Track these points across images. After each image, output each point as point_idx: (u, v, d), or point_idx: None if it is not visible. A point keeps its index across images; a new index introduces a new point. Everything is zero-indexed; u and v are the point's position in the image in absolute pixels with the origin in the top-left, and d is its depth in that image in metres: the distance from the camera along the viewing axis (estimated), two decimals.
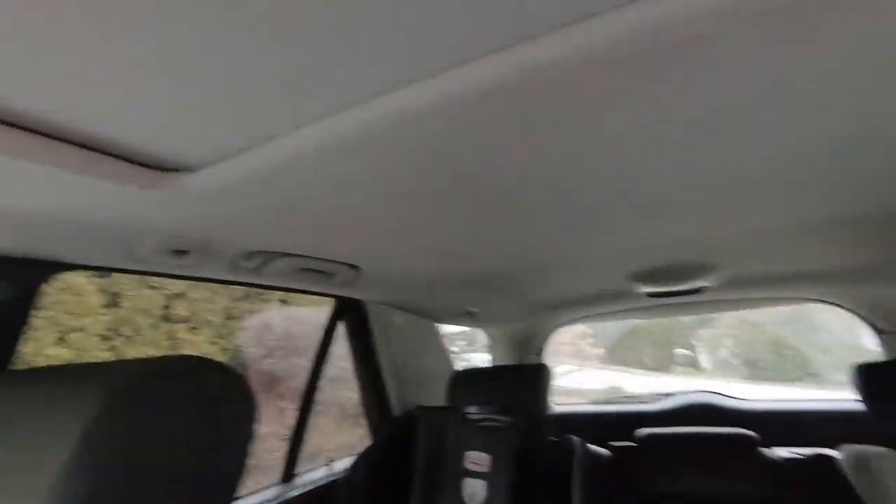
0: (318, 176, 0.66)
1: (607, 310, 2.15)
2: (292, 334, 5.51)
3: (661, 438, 1.40)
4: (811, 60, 0.49)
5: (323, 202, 0.79)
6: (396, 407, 1.75)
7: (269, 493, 1.40)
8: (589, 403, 2.51)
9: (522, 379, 1.58)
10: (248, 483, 1.42)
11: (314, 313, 5.39)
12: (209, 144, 0.56)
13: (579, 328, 8.44)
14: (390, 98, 0.48)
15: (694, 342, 8.71)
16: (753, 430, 1.37)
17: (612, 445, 1.47)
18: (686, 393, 2.27)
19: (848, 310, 1.88)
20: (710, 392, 2.21)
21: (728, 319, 7.90)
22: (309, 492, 1.45)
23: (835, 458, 1.20)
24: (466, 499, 1.36)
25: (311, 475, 1.55)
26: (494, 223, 0.98)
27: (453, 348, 2.08)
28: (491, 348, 2.45)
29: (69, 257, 0.83)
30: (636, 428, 1.48)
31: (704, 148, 0.68)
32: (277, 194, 0.70)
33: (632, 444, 1.43)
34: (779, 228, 1.14)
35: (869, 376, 1.11)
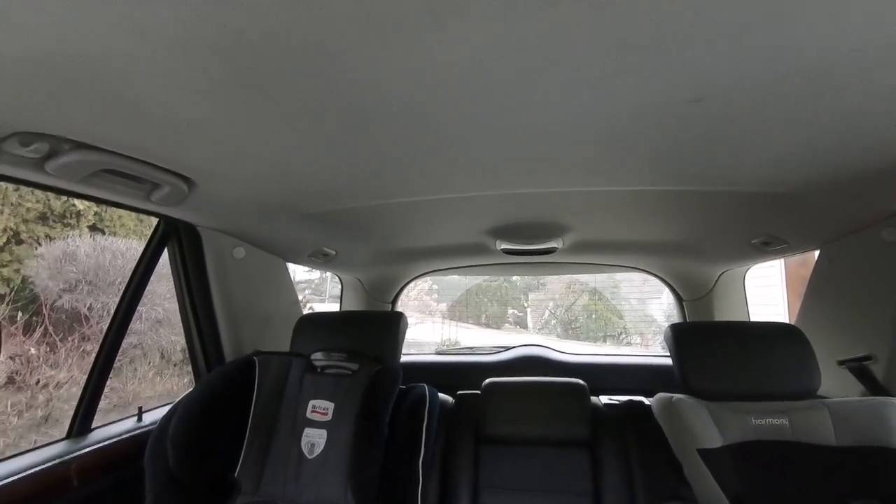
0: (135, 45, 0.49)
1: (464, 263, 2.19)
2: (104, 268, 4.68)
3: (502, 386, 1.46)
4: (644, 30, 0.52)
5: (142, 83, 0.60)
6: (230, 352, 1.55)
7: (54, 450, 1.13)
8: (434, 354, 2.57)
9: (377, 326, 1.51)
10: (34, 438, 1.13)
11: (136, 247, 4.65)
12: None
13: (425, 284, 8.78)
14: None
15: (525, 304, 9.59)
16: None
17: (457, 394, 1.50)
18: (521, 346, 2.46)
19: (661, 279, 2.18)
20: (541, 346, 2.43)
21: (554, 286, 8.91)
22: (108, 446, 1.21)
23: (646, 403, 1.37)
24: (305, 449, 1.27)
25: (114, 427, 1.30)
26: (340, 150, 0.92)
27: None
28: (343, 295, 2.34)
29: None
30: (478, 376, 1.53)
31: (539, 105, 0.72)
32: (68, 46, 0.51)
33: (476, 392, 1.47)
34: (613, 197, 1.27)
35: (676, 333, 1.27)
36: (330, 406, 1.31)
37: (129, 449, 1.24)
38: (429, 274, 2.31)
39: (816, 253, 1.50)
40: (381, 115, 0.76)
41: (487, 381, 1.49)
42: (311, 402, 1.32)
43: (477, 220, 1.56)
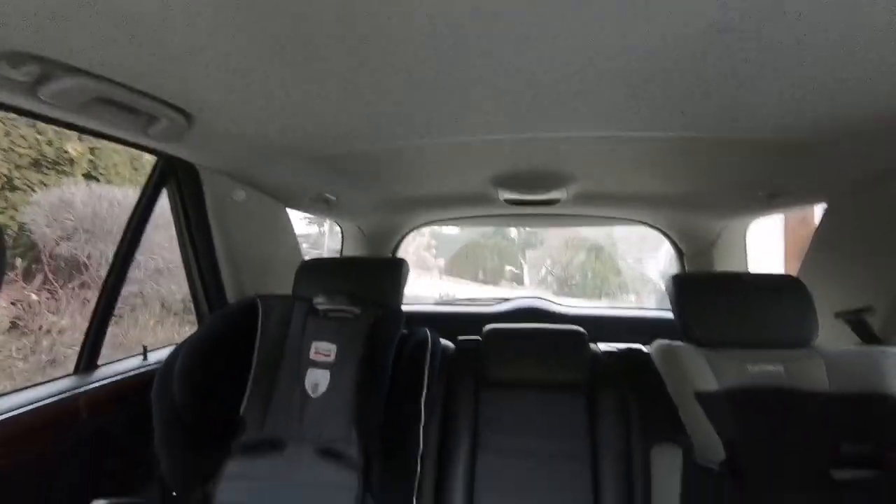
0: None
1: (466, 213, 2.17)
2: (101, 217, 4.65)
3: (503, 332, 1.48)
4: None
5: (143, 4, 0.57)
6: (232, 296, 1.56)
7: (63, 384, 1.15)
8: (433, 304, 2.60)
9: (379, 272, 1.51)
10: (40, 381, 1.15)
11: (133, 195, 4.60)
12: None
13: (423, 240, 8.80)
14: None
15: (522, 261, 9.66)
16: None
17: (458, 339, 1.52)
18: (520, 298, 2.49)
19: (663, 233, 2.17)
20: (540, 298, 2.46)
21: (552, 243, 8.95)
22: (115, 383, 1.23)
23: (645, 351, 1.40)
24: (309, 389, 1.29)
25: (120, 365, 1.32)
26: (349, 86, 0.88)
27: None
28: (343, 245, 2.33)
29: None
30: (477, 327, 1.55)
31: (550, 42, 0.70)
32: None
33: (476, 338, 1.49)
34: (622, 144, 1.24)
35: (678, 283, 1.27)
36: (333, 348, 1.33)
37: (136, 386, 1.27)
38: (430, 223, 2.30)
39: (819, 210, 1.49)
40: (391, 51, 0.73)
41: (488, 326, 1.50)
42: (315, 344, 1.33)
43: (481, 168, 1.53)
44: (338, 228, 2.29)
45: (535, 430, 1.33)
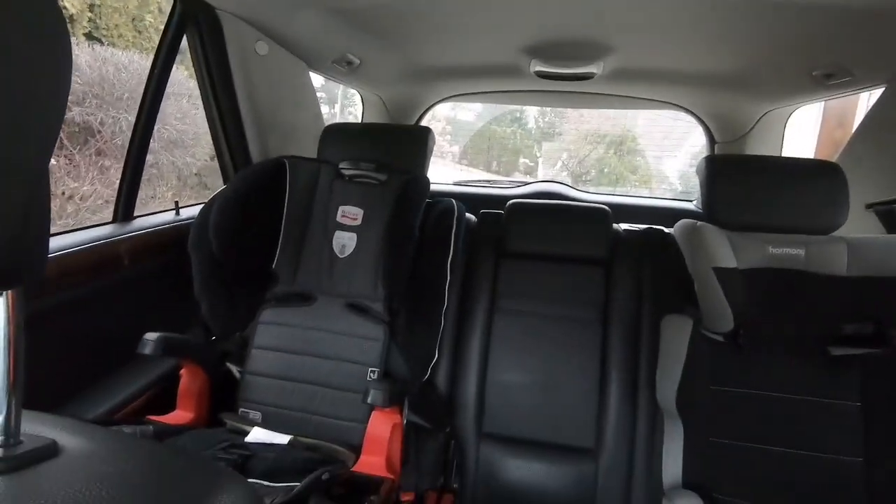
0: None
1: (492, 88, 2.07)
2: (109, 82, 4.49)
3: (525, 205, 1.49)
4: None
5: None
6: (256, 158, 1.55)
7: (104, 230, 1.20)
8: (453, 184, 2.58)
9: (405, 140, 1.49)
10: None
11: (138, 60, 4.39)
12: None
13: (439, 126, 8.53)
14: None
15: (537, 154, 9.42)
16: None
17: (480, 212, 1.53)
18: (540, 181, 2.47)
19: (697, 117, 2.08)
20: (560, 183, 2.43)
21: (569, 136, 8.64)
22: (152, 233, 1.28)
23: (666, 231, 1.41)
24: (336, 250, 1.34)
25: (155, 218, 1.37)
26: None
27: None
28: (364, 115, 2.26)
29: None
30: (498, 206, 1.55)
31: None
32: None
33: (499, 211, 1.50)
34: (668, 10, 1.16)
35: (710, 163, 1.23)
36: (359, 212, 1.35)
37: (172, 236, 1.32)
38: (454, 97, 2.20)
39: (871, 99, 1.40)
40: None
41: (511, 201, 1.51)
42: (341, 208, 1.36)
43: (513, 33, 1.43)
44: (351, 110, 2.21)
45: (550, 296, 1.39)
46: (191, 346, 1.21)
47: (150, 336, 1.10)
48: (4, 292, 0.34)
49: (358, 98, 2.27)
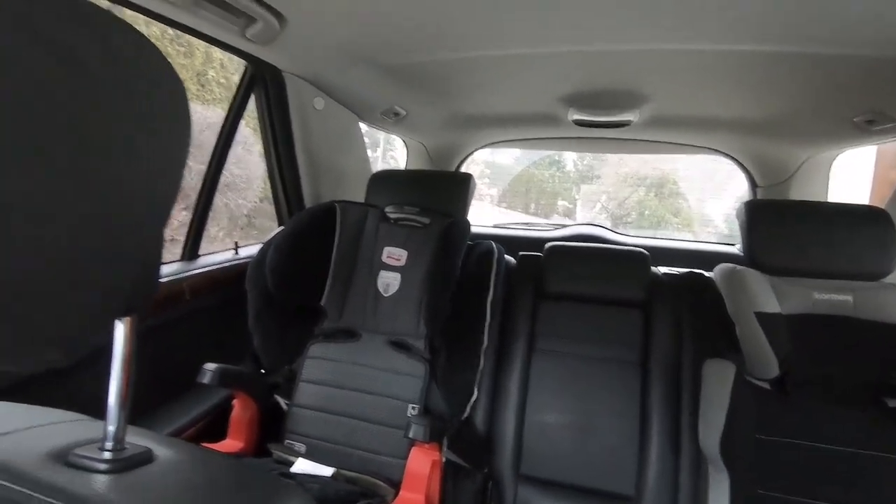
0: None
1: (532, 135, 2.15)
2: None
3: (564, 248, 1.52)
4: None
5: None
6: (309, 202, 1.67)
7: (173, 268, 1.32)
8: (492, 227, 2.64)
9: (446, 185, 1.57)
10: None
11: (201, 111, 4.78)
12: None
13: (478, 168, 8.71)
14: None
15: (575, 196, 9.41)
16: None
17: (519, 254, 1.58)
18: (579, 224, 2.49)
19: (737, 162, 2.08)
20: (599, 226, 2.45)
21: (609, 179, 8.62)
22: (213, 271, 1.38)
23: (707, 274, 1.41)
24: (381, 289, 1.41)
25: (217, 257, 1.48)
26: None
27: None
28: (408, 161, 2.38)
29: None
30: (536, 249, 1.59)
31: None
32: None
33: (538, 253, 1.54)
34: (704, 59, 1.20)
35: (750, 208, 1.24)
36: (404, 253, 1.42)
37: (231, 274, 1.42)
38: (494, 144, 2.29)
39: None
40: None
41: (549, 243, 1.55)
42: (386, 249, 1.44)
43: (552, 84, 1.51)
44: (392, 154, 2.33)
45: (588, 337, 1.40)
46: (244, 378, 1.28)
47: (210, 366, 1.18)
48: (125, 318, 0.41)
49: (399, 142, 2.40)
